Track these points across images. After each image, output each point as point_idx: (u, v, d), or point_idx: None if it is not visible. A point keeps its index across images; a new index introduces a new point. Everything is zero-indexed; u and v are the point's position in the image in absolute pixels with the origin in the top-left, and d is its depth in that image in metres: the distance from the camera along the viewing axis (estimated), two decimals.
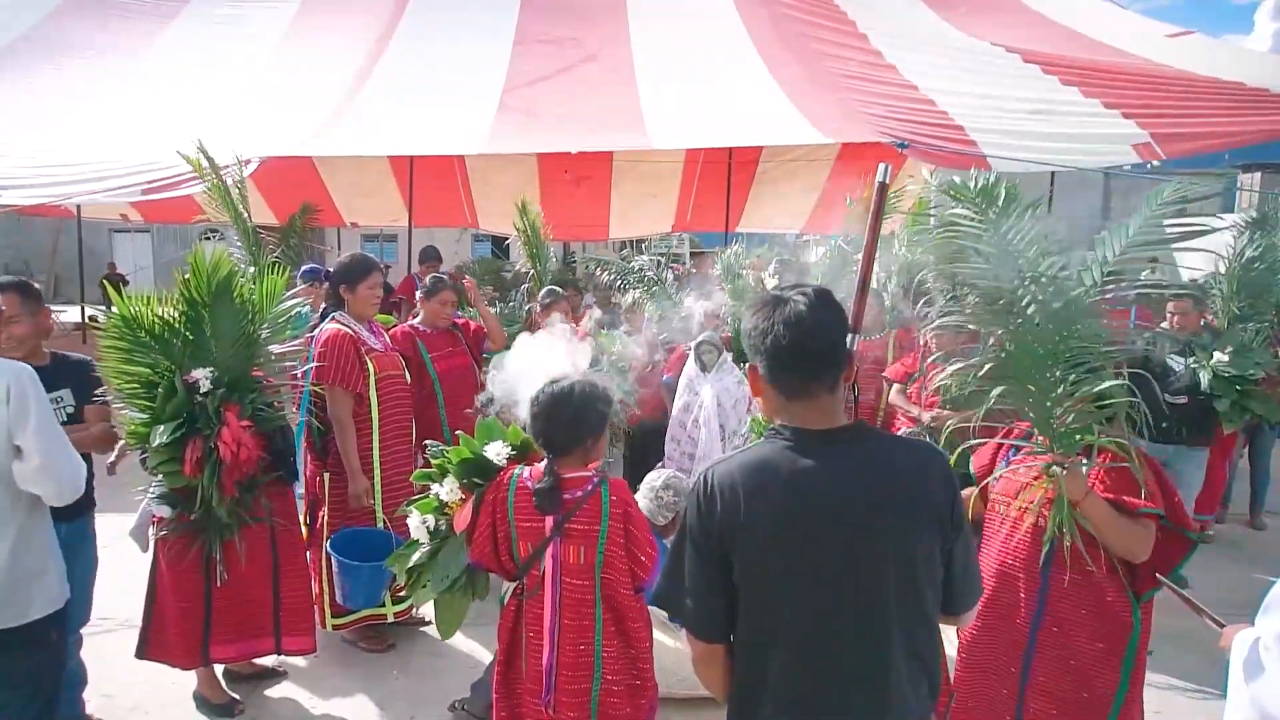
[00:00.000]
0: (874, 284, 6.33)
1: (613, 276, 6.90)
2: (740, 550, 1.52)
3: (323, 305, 4.19)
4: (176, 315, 3.17)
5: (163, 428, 3.05)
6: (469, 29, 8.38)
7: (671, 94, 7.03)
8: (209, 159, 5.05)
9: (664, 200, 11.13)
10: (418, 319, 4.71)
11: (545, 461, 2.49)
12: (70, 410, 3.17)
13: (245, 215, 4.77)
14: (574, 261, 13.49)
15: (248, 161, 5.72)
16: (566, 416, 2.45)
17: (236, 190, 5.02)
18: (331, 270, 4.36)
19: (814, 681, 1.51)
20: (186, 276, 3.16)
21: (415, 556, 2.69)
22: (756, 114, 6.73)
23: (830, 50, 7.60)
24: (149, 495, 3.29)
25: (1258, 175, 12.41)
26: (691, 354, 4.97)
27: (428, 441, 2.76)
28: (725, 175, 9.39)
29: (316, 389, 3.76)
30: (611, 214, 11.17)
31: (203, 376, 3.14)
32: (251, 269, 4.35)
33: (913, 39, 7.82)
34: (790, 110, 6.56)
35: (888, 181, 2.17)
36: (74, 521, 3.09)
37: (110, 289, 3.40)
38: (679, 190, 10.97)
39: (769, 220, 11.71)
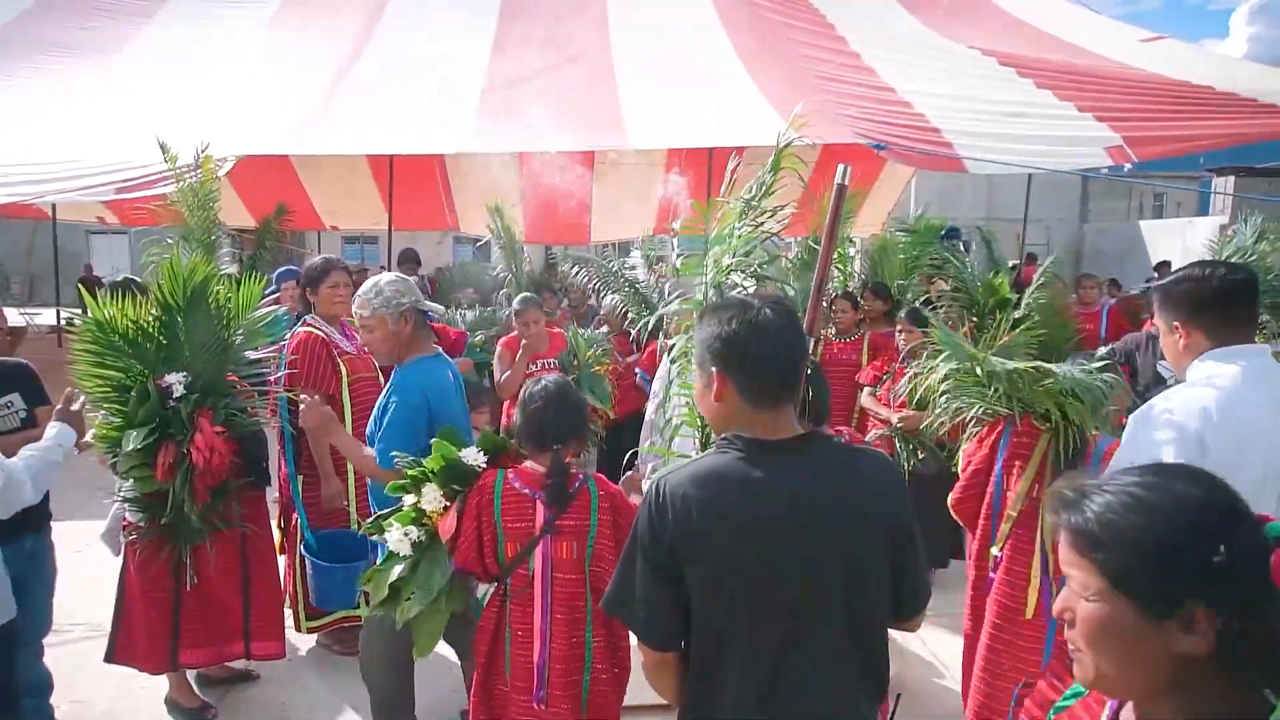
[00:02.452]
0: (849, 287, 6.39)
1: (590, 279, 6.89)
2: (692, 559, 1.52)
3: (297, 310, 4.17)
4: (150, 319, 3.15)
5: (135, 433, 3.03)
6: (449, 29, 8.36)
7: (651, 94, 7.05)
8: (194, 155, 4.96)
9: (645, 202, 11.14)
10: None
11: (541, 459, 2.54)
12: (23, 415, 3.12)
13: (214, 216, 4.71)
14: (555, 262, 13.49)
15: (224, 160, 5.68)
16: (571, 405, 2.60)
17: (204, 190, 4.91)
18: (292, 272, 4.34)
19: (767, 687, 1.52)
20: (159, 281, 3.15)
21: (397, 570, 2.62)
22: (735, 115, 6.75)
23: (809, 52, 7.65)
24: (119, 499, 3.27)
25: (1230, 179, 12.58)
26: (666, 352, 4.99)
27: (394, 453, 2.73)
28: (706, 178, 9.41)
29: (291, 395, 3.73)
30: (593, 216, 11.18)
31: (176, 381, 3.13)
32: (228, 271, 4.33)
33: (891, 41, 7.88)
34: (768, 111, 6.59)
35: (847, 183, 2.19)
36: (39, 535, 3.07)
37: (84, 292, 3.38)
38: (661, 191, 10.99)
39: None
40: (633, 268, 7.38)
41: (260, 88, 7.52)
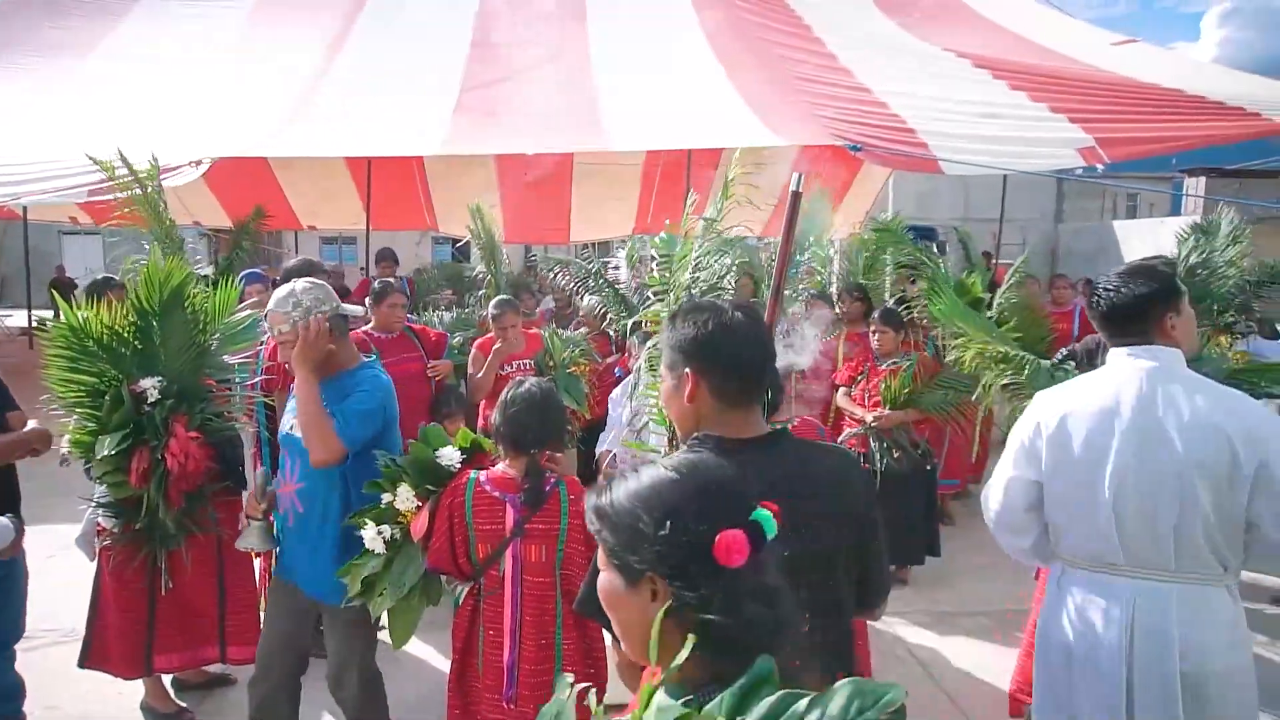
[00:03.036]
0: (825, 288, 6.44)
1: (568, 280, 6.89)
2: None
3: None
4: (125, 324, 3.13)
5: (109, 438, 3.01)
6: (427, 30, 8.34)
7: (629, 96, 7.07)
8: (127, 164, 4.89)
9: (625, 203, 11.16)
10: (370, 324, 4.68)
11: (513, 462, 2.56)
12: None
13: (170, 222, 4.68)
14: (534, 262, 13.46)
15: (199, 162, 5.65)
16: (551, 409, 2.61)
17: (159, 195, 4.85)
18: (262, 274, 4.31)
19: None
20: (136, 285, 3.13)
21: (370, 566, 2.68)
22: (713, 116, 6.78)
23: (786, 53, 7.70)
24: (93, 504, 3.25)
25: (1202, 180, 12.78)
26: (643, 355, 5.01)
27: (375, 451, 2.74)
28: (685, 177, 9.45)
29: (268, 401, 3.71)
30: (572, 217, 11.17)
31: (151, 386, 3.10)
32: (205, 272, 4.31)
33: (867, 43, 7.95)
34: (746, 112, 6.63)
35: (801, 190, 2.22)
36: None
37: (56, 296, 3.35)
38: (639, 192, 11.01)
39: (729, 223, 11.75)
40: (616, 268, 7.40)
41: (236, 88, 7.47)
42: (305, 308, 2.66)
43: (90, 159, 4.96)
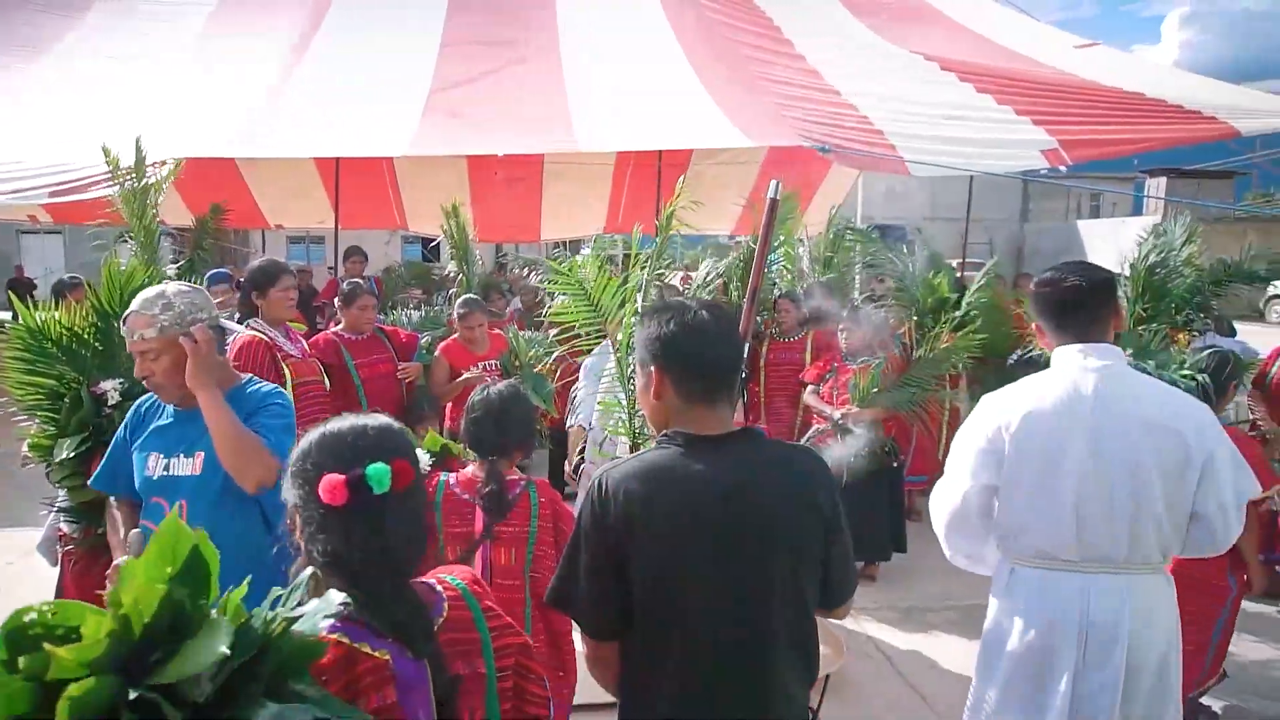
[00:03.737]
0: (793, 287, 6.50)
1: (540, 279, 6.88)
2: (634, 551, 1.58)
3: (234, 313, 4.09)
4: (85, 325, 3.08)
5: (68, 440, 2.96)
6: (395, 29, 8.26)
7: (599, 97, 7.06)
8: (135, 158, 4.82)
9: (596, 202, 11.16)
10: (340, 325, 4.65)
11: (481, 465, 2.54)
12: None
13: (156, 220, 4.61)
14: (505, 261, 13.42)
15: (162, 163, 5.56)
16: (516, 416, 2.58)
17: (153, 193, 4.80)
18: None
19: (708, 672, 1.60)
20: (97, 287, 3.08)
21: None
22: (683, 117, 6.80)
23: (756, 55, 7.73)
24: (53, 509, 3.19)
25: (1162, 180, 13.04)
26: (612, 357, 5.01)
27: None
28: (655, 177, 9.47)
29: None
30: (543, 216, 11.16)
31: (111, 388, 3.06)
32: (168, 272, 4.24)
33: (836, 45, 8.00)
34: (716, 113, 6.66)
35: (779, 197, 2.25)
36: None
37: (14, 298, 3.29)
38: (610, 192, 11.01)
39: (700, 222, 11.79)
40: (584, 268, 7.39)
41: (201, 88, 7.35)
42: (178, 312, 2.23)
43: (103, 151, 4.84)
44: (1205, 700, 3.63)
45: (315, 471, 1.26)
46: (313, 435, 1.33)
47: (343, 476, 1.22)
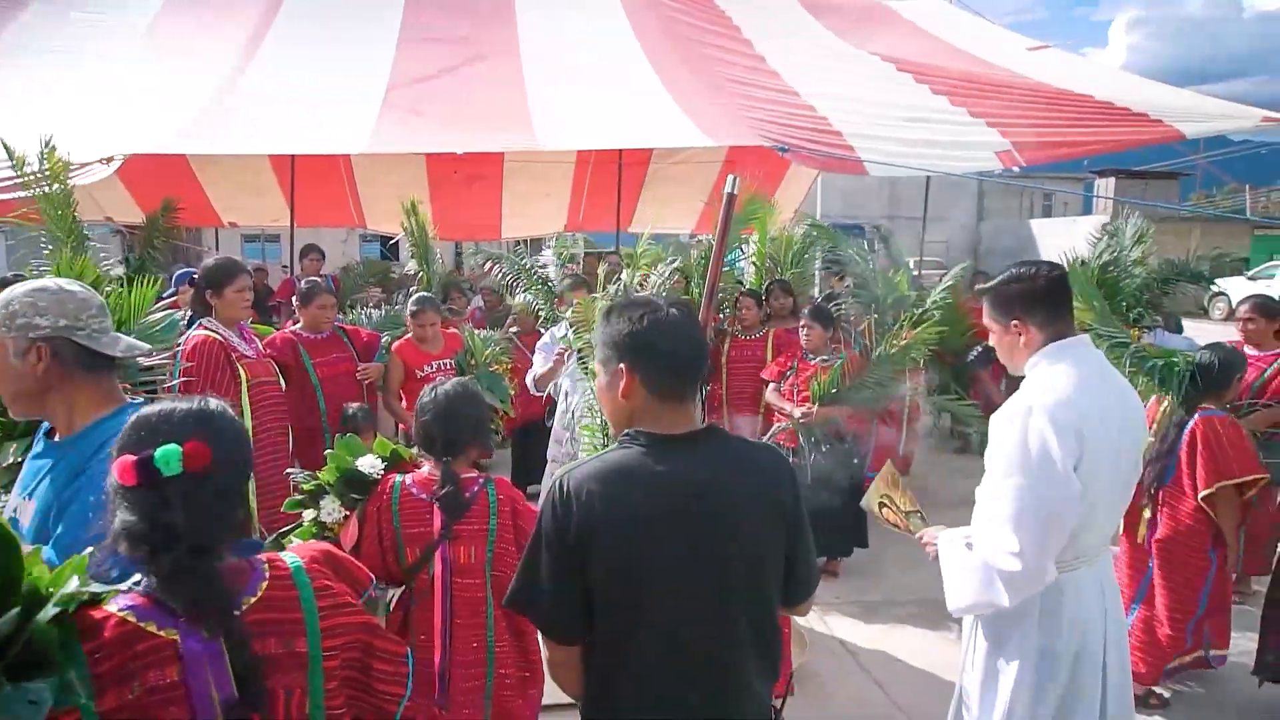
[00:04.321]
0: (754, 285, 6.54)
1: (503, 274, 6.83)
2: (597, 552, 1.56)
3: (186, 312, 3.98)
4: None
5: (13, 445, 2.87)
6: (352, 25, 8.14)
7: (559, 95, 7.03)
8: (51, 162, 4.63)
9: (556, 200, 11.12)
10: (298, 325, 4.57)
11: (436, 465, 2.52)
12: None
13: (74, 221, 4.45)
14: (461, 263, 13.31)
15: (109, 159, 5.41)
16: (468, 414, 2.55)
17: (69, 195, 4.57)
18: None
19: (672, 673, 1.59)
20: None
21: None
22: (643, 116, 6.80)
23: (716, 54, 7.76)
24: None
25: (1111, 181, 13.36)
26: (573, 356, 5.00)
27: (289, 471, 2.61)
28: (616, 175, 9.47)
29: None
30: (503, 214, 11.09)
31: None
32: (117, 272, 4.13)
33: (796, 46, 8.07)
34: (676, 113, 6.67)
35: (736, 193, 2.26)
36: None
37: None
38: (570, 190, 10.98)
39: (661, 220, 11.81)
40: (544, 265, 7.37)
41: (151, 81, 7.16)
42: (10, 312, 1.74)
43: (4, 147, 4.66)
44: (1158, 688, 3.73)
45: (119, 453, 1.33)
46: (133, 417, 1.40)
47: (133, 458, 1.29)
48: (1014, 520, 2.03)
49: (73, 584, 1.22)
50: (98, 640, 1.22)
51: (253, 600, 1.36)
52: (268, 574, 1.41)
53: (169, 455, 1.29)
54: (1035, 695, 2.14)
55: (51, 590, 1.19)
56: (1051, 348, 2.17)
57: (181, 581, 1.28)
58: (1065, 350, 2.16)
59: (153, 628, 1.26)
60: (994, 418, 2.18)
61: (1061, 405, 2.05)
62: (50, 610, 1.16)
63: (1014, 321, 2.21)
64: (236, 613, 1.32)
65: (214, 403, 1.45)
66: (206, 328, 3.76)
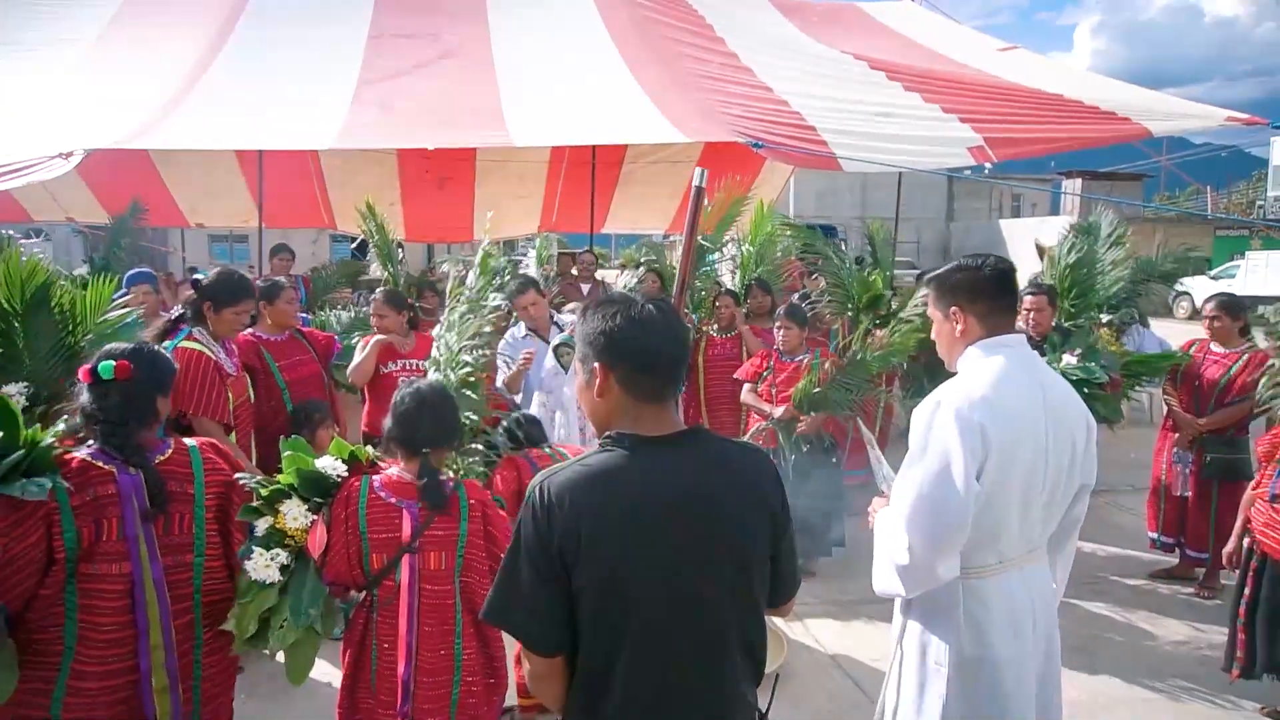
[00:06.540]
0: (729, 283, 6.52)
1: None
2: (581, 561, 1.50)
3: (176, 311, 3.83)
4: None
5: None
6: (321, 20, 8.03)
7: (532, 91, 6.96)
8: None
9: (529, 201, 11.04)
10: (257, 326, 4.43)
11: (408, 464, 2.47)
12: None
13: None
14: (434, 264, 13.19)
15: (69, 155, 5.27)
16: (447, 409, 2.57)
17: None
18: (199, 280, 3.98)
19: (659, 678, 1.54)
20: None
21: (263, 600, 2.33)
22: (617, 113, 6.75)
23: (689, 52, 7.74)
24: None
25: (1079, 181, 13.53)
26: (550, 353, 4.94)
27: (239, 476, 2.41)
28: (590, 176, 9.41)
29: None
30: (476, 215, 10.98)
31: (16, 392, 2.88)
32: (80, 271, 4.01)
33: (768, 44, 8.07)
34: (650, 109, 6.63)
35: (704, 185, 2.22)
36: None
37: None
38: (544, 191, 10.91)
39: (635, 221, 11.79)
40: (526, 266, 7.30)
41: (113, 75, 7.01)
42: None
43: None
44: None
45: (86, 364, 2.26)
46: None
47: (89, 366, 2.21)
48: (907, 515, 2.03)
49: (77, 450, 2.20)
50: (68, 469, 2.15)
51: (161, 458, 2.26)
52: (173, 446, 2.33)
53: (106, 368, 2.18)
54: (966, 708, 2.08)
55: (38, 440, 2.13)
56: (986, 342, 2.14)
57: (112, 440, 2.19)
58: (999, 346, 2.13)
59: (100, 464, 2.17)
60: (915, 407, 2.15)
61: (972, 403, 2.01)
62: (48, 438, 2.18)
63: (953, 309, 2.18)
64: (150, 463, 2.20)
65: (145, 345, 2.40)
66: (197, 340, 3.64)
